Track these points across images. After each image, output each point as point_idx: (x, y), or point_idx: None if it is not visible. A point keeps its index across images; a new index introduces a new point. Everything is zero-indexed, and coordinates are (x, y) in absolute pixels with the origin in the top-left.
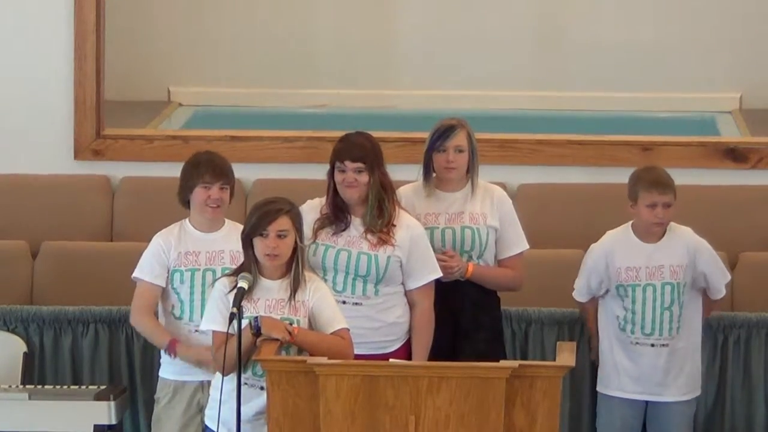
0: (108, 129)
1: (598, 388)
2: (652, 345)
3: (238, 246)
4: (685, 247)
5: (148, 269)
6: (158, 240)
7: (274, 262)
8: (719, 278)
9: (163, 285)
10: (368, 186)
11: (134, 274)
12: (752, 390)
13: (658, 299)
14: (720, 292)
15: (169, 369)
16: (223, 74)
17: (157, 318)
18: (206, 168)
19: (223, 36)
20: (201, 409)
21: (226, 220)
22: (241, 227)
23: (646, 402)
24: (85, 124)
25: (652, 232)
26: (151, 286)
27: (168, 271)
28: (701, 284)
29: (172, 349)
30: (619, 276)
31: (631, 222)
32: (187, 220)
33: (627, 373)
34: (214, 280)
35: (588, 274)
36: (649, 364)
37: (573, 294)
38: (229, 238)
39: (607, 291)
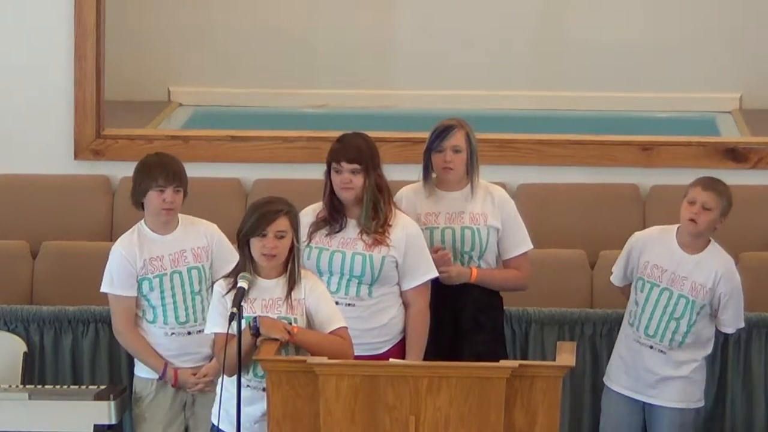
0: (108, 129)
1: (604, 379)
2: (651, 347)
3: (197, 242)
4: (714, 270)
5: (119, 283)
6: (120, 251)
7: (272, 262)
8: (731, 315)
9: (135, 294)
10: (364, 187)
11: (104, 289)
12: (752, 390)
13: (669, 306)
14: (727, 327)
15: (145, 368)
16: (223, 74)
17: None
18: (159, 171)
19: (223, 36)
20: (184, 407)
21: (179, 216)
22: (195, 222)
23: (644, 403)
24: (85, 124)
25: (686, 231)
26: (127, 300)
27: (136, 279)
28: (715, 308)
29: (174, 382)
30: (644, 270)
31: (678, 225)
32: (142, 222)
33: (626, 371)
34: (183, 282)
35: (625, 259)
36: (644, 366)
37: (611, 278)
38: (186, 235)
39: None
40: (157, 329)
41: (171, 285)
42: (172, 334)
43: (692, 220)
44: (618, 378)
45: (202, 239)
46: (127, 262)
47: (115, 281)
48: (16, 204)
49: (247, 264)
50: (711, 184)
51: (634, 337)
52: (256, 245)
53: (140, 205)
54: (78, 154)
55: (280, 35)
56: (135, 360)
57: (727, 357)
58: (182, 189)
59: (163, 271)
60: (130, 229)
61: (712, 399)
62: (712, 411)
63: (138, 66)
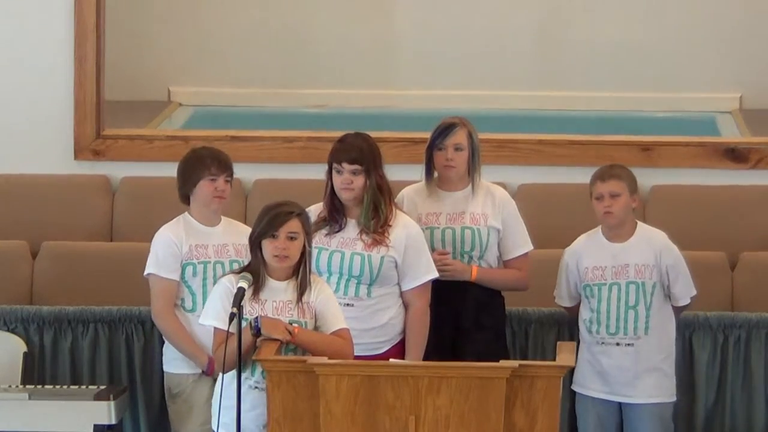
0: (108, 129)
1: (573, 387)
2: (617, 344)
3: (239, 239)
4: (651, 247)
5: (164, 265)
6: (168, 234)
7: (284, 263)
8: (682, 285)
9: (178, 279)
10: (364, 188)
11: (150, 271)
12: (752, 390)
13: (622, 298)
14: (679, 299)
15: (182, 364)
16: (223, 74)
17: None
18: (212, 160)
19: (223, 36)
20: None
21: (221, 216)
22: (237, 223)
23: (620, 403)
24: (85, 124)
25: (607, 226)
26: (170, 283)
27: (180, 264)
28: (666, 285)
29: (211, 370)
30: (586, 276)
31: (600, 225)
32: (187, 213)
33: (597, 374)
34: (225, 273)
35: (565, 277)
36: (615, 364)
37: (555, 300)
38: (228, 231)
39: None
40: (195, 317)
41: (213, 274)
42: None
43: (607, 212)
44: (590, 383)
45: (244, 238)
46: (173, 244)
47: (161, 262)
48: (16, 204)
49: (259, 267)
50: (607, 172)
51: (597, 340)
52: (268, 247)
53: (186, 199)
54: (78, 154)
55: (280, 35)
56: (166, 357)
57: (727, 357)
58: (231, 180)
59: (207, 259)
60: (174, 219)
61: (712, 399)
62: (711, 411)
63: (138, 66)
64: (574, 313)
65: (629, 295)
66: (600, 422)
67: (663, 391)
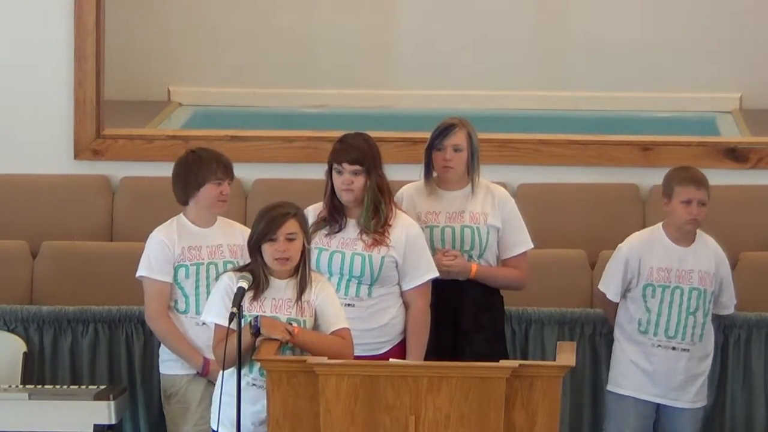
0: (108, 129)
1: (609, 387)
2: (674, 348)
3: (234, 240)
4: (713, 255)
5: (157, 267)
6: (160, 236)
7: (285, 265)
8: (731, 294)
9: (171, 281)
10: (364, 188)
11: (142, 273)
12: (752, 390)
13: (684, 303)
14: (727, 308)
15: (177, 365)
16: (223, 74)
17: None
18: (218, 164)
19: (223, 36)
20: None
21: (217, 217)
22: (232, 222)
23: (657, 405)
24: (85, 124)
25: (685, 231)
26: (163, 285)
27: (173, 266)
28: (716, 294)
29: (206, 371)
30: (650, 275)
31: (661, 223)
32: (181, 215)
33: (644, 375)
34: (218, 274)
35: (622, 272)
36: (667, 367)
37: (608, 296)
38: (223, 232)
39: (627, 291)
40: (188, 319)
41: (207, 275)
42: (204, 324)
43: (693, 220)
44: (632, 383)
45: (239, 238)
46: (165, 247)
47: (153, 265)
48: (16, 204)
49: (260, 270)
50: (700, 180)
51: (652, 343)
52: (268, 250)
53: (185, 201)
54: (78, 154)
55: (280, 35)
56: (161, 358)
57: (727, 357)
58: (232, 183)
59: (200, 260)
60: (168, 221)
61: (712, 399)
62: (712, 411)
63: (138, 66)
64: (614, 309)
65: (691, 300)
66: (641, 423)
67: (703, 395)
